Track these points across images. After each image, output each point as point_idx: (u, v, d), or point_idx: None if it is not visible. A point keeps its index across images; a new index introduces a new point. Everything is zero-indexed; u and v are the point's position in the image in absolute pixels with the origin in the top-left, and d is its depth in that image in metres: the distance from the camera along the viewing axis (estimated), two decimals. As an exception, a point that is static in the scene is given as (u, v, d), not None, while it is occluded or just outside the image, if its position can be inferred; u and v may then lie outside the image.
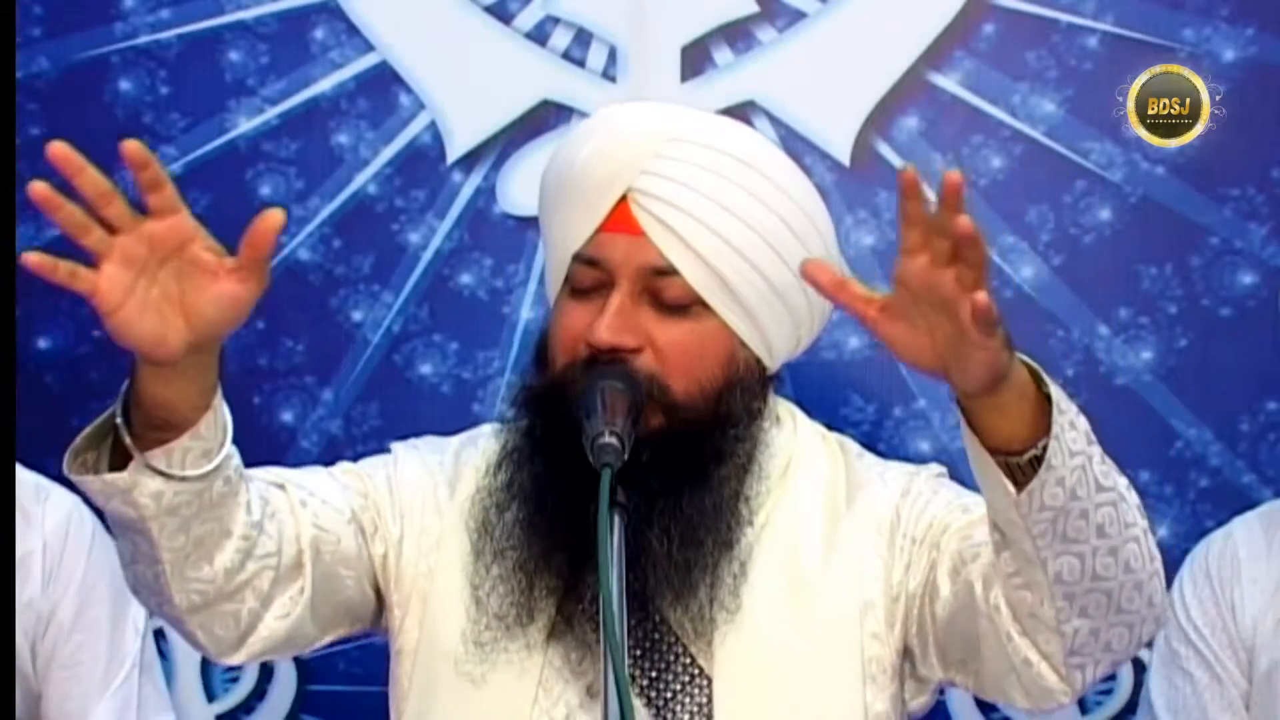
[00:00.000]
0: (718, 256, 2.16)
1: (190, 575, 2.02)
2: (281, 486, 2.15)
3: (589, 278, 2.19)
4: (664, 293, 2.16)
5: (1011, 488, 1.92)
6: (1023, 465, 1.92)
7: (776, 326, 2.21)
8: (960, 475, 2.23)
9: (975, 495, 2.10)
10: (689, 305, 2.17)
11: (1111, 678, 2.98)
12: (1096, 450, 1.95)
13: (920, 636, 2.18)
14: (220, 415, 1.95)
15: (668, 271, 2.16)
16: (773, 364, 2.25)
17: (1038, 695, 2.08)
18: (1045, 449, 1.90)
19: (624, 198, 2.17)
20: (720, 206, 2.16)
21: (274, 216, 1.81)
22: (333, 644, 2.28)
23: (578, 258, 2.19)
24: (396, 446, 2.32)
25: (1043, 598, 1.98)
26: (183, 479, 1.93)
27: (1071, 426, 1.92)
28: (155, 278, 1.83)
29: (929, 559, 2.17)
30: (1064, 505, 1.92)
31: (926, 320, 1.85)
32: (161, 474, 1.92)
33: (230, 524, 2.01)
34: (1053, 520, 1.93)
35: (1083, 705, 2.99)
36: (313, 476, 2.23)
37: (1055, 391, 1.91)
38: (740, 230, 2.17)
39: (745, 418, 2.20)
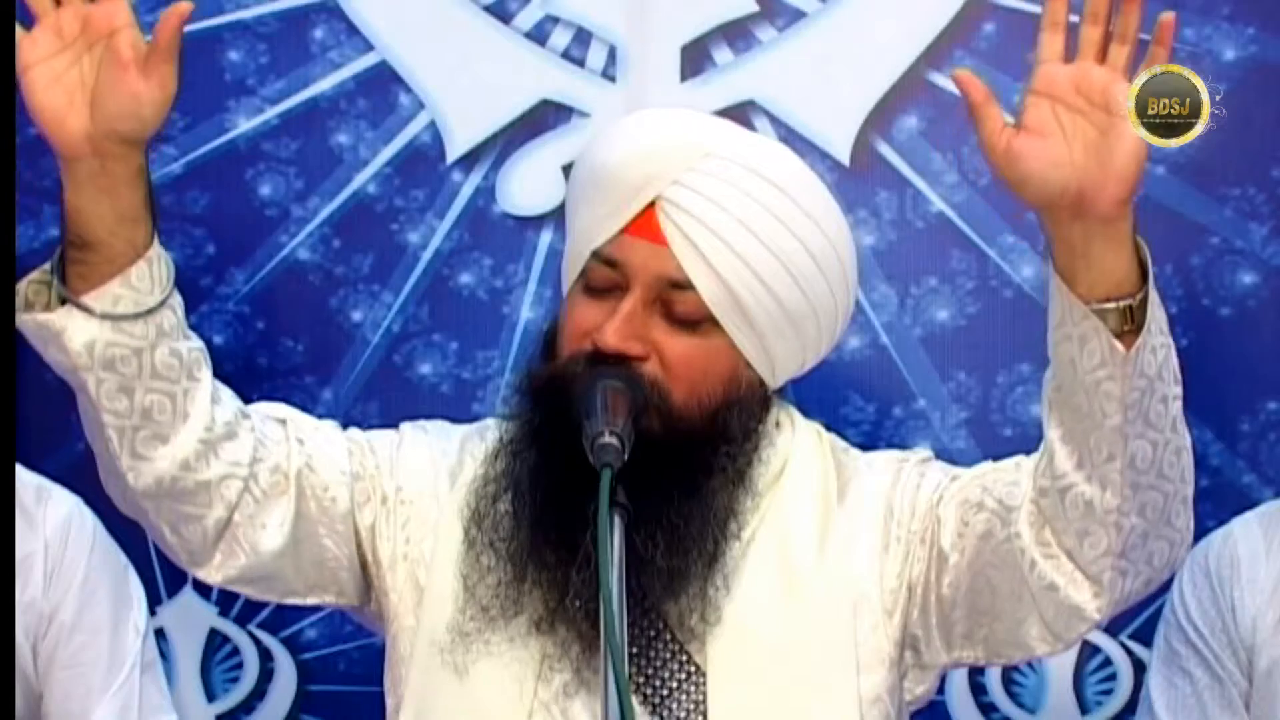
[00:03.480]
0: (736, 277, 2.16)
1: (141, 451, 2.06)
2: (283, 421, 2.21)
3: (605, 278, 2.19)
4: (676, 306, 2.17)
5: (1120, 345, 1.95)
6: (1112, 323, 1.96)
7: (784, 350, 2.22)
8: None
9: (963, 469, 2.16)
10: (699, 321, 2.17)
11: (1111, 678, 2.98)
12: (1172, 344, 2.01)
13: (923, 620, 2.19)
14: (157, 270, 2.03)
15: (683, 285, 2.16)
16: (775, 384, 2.26)
17: (1062, 624, 2.10)
18: (1137, 303, 1.95)
19: (652, 204, 2.17)
20: (745, 228, 2.16)
21: (182, 5, 1.97)
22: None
23: (596, 255, 2.19)
24: (405, 427, 2.33)
25: (1109, 486, 2.01)
26: (113, 319, 2.00)
27: (1157, 304, 1.97)
28: (79, 60, 1.97)
29: (931, 537, 2.18)
30: (1153, 379, 1.97)
31: (1068, 128, 1.92)
32: (91, 313, 2.00)
33: (186, 406, 2.05)
34: (1143, 393, 1.97)
35: (1083, 705, 2.99)
36: (324, 427, 2.28)
37: (1145, 254, 1.97)
38: (762, 254, 2.16)
39: (740, 436, 2.21)
